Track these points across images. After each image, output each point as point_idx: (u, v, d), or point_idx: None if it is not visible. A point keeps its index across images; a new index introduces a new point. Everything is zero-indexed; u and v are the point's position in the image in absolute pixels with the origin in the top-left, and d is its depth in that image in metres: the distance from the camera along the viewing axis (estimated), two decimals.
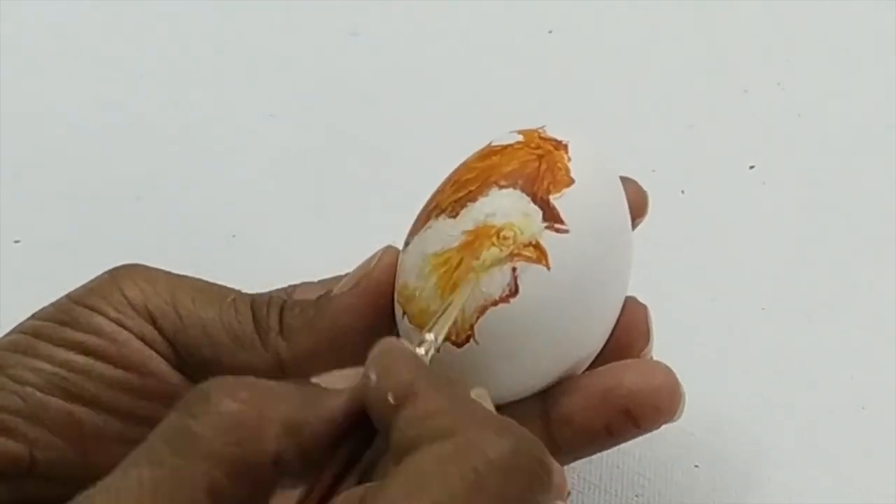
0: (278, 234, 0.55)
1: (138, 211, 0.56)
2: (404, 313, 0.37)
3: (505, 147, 0.38)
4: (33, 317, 0.40)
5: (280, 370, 0.38)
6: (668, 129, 0.57)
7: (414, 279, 0.37)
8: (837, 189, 0.55)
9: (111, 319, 0.39)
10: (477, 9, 0.62)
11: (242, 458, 0.32)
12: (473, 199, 0.36)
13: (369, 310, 0.38)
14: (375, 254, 0.39)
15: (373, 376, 0.33)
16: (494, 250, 0.36)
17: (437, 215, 0.37)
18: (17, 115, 0.59)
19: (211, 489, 0.32)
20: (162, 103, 0.60)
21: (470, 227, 0.36)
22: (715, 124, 0.57)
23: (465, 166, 0.38)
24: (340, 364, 0.38)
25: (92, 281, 0.40)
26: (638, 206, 0.40)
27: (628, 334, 0.38)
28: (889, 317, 0.51)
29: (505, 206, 0.36)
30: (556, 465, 0.33)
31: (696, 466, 0.47)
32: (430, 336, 0.35)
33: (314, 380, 0.38)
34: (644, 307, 0.39)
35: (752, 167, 0.56)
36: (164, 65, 0.61)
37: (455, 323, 0.36)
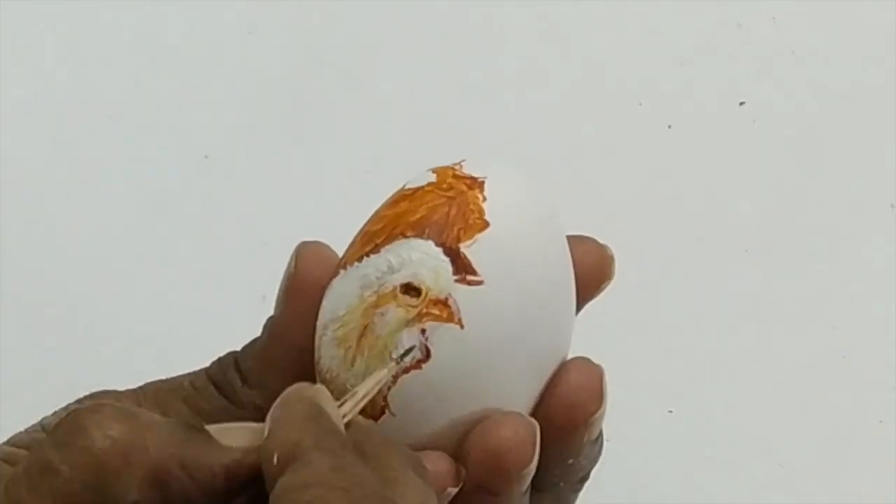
0: (251, 156, 0.55)
1: (111, 129, 0.56)
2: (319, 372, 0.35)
3: (415, 190, 0.34)
4: (7, 442, 0.36)
5: (264, 414, 0.35)
6: (655, 62, 0.56)
7: (323, 342, 0.34)
8: (830, 129, 0.54)
9: None
10: None
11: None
12: (377, 253, 0.33)
13: (307, 316, 0.35)
14: (291, 258, 0.36)
15: (266, 431, 0.31)
16: (400, 311, 0.33)
17: (346, 267, 0.34)
18: None
19: None
20: (138, 19, 0.59)
21: (373, 285, 0.33)
22: (705, 58, 0.56)
23: (375, 215, 0.34)
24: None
25: (58, 424, 0.34)
26: (600, 268, 0.36)
27: (578, 395, 0.34)
28: (876, 264, 0.51)
29: (411, 259, 0.33)
30: None
31: (670, 412, 0.47)
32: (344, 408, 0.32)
33: (216, 427, 0.33)
34: (599, 368, 0.35)
35: (742, 104, 0.55)
36: None
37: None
